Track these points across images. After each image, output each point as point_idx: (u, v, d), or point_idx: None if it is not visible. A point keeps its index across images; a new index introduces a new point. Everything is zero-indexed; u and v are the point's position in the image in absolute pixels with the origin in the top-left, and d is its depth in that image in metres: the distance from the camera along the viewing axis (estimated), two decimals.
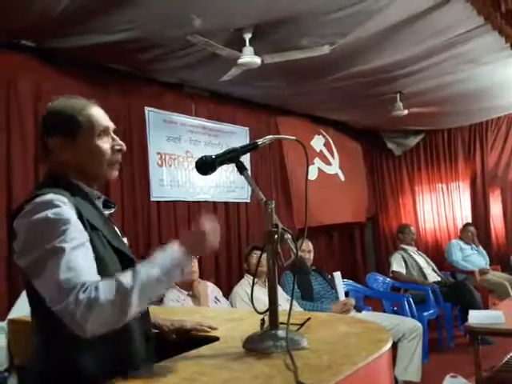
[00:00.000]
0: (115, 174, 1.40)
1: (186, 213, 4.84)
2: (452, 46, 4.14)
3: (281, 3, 3.27)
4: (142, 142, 4.53)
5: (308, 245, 4.12)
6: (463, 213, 7.25)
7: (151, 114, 4.63)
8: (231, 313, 2.43)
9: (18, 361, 2.22)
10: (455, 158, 7.35)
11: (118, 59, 4.13)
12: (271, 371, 1.10)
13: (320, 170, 6.49)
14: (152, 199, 4.54)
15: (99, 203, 1.40)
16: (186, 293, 3.24)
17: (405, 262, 5.36)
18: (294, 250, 1.26)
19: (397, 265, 5.34)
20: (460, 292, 4.92)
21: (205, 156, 1.37)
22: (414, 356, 3.55)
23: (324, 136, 6.74)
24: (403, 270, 5.29)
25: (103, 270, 1.20)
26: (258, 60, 3.72)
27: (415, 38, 3.94)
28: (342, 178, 6.96)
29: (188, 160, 4.89)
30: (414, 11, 3.48)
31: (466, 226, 6.32)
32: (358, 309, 3.85)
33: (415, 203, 7.70)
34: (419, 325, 3.69)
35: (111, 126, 1.40)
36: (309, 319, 1.49)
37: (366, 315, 3.83)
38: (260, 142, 1.41)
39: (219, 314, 2.10)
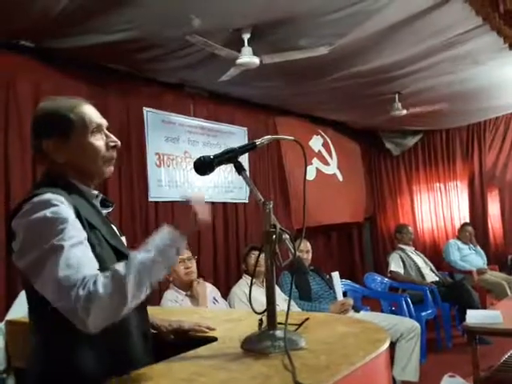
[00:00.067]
0: (111, 170, 1.40)
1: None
2: (450, 47, 4.14)
3: (279, 3, 3.28)
4: (141, 142, 4.53)
5: (306, 245, 4.12)
6: (461, 213, 7.26)
7: (149, 114, 4.63)
8: (229, 313, 2.43)
9: (16, 362, 2.22)
10: (453, 158, 7.36)
11: (116, 59, 4.13)
12: (269, 371, 1.10)
13: (318, 170, 6.50)
14: (150, 200, 4.54)
15: (97, 202, 1.40)
16: (185, 293, 3.24)
17: (403, 261, 5.37)
18: (292, 250, 1.26)
19: (395, 265, 5.34)
20: (458, 292, 4.93)
21: (203, 156, 1.37)
22: (412, 356, 3.56)
23: (322, 136, 6.74)
24: (401, 270, 5.29)
25: (102, 269, 1.20)
26: (256, 60, 3.72)
27: (414, 39, 3.95)
28: (340, 178, 6.96)
29: (186, 160, 4.89)
30: (413, 11, 3.49)
31: (463, 225, 6.33)
32: (356, 309, 3.85)
33: (413, 203, 7.71)
34: (417, 325, 3.70)
35: (104, 123, 1.40)
36: (307, 319, 1.49)
37: (364, 315, 3.83)
38: (258, 142, 1.41)
39: (217, 315, 2.10)
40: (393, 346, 3.52)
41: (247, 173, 1.40)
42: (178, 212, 1.16)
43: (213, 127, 5.24)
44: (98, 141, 1.36)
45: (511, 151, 6.86)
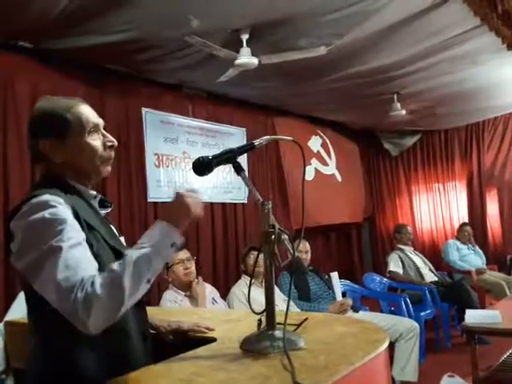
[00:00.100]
0: (108, 170, 1.39)
1: None
2: (449, 47, 4.15)
3: (278, 4, 3.28)
4: (139, 142, 4.53)
5: (305, 245, 4.13)
6: (460, 213, 7.27)
7: (148, 114, 4.63)
8: (228, 314, 2.43)
9: (15, 363, 2.22)
10: (452, 158, 7.36)
11: (115, 60, 4.13)
12: (268, 372, 1.10)
13: (317, 171, 6.50)
14: (149, 200, 4.54)
15: (95, 203, 1.39)
16: (184, 294, 3.24)
17: (402, 262, 5.37)
18: (291, 251, 1.26)
19: (394, 265, 5.35)
20: (457, 292, 4.93)
21: (202, 157, 1.37)
22: (411, 356, 3.56)
23: (321, 137, 6.75)
24: (400, 270, 5.30)
25: (101, 270, 1.20)
26: (255, 61, 3.72)
27: (412, 39, 3.95)
28: (339, 178, 6.97)
29: (185, 161, 4.89)
30: (411, 12, 3.49)
31: (462, 225, 6.33)
32: (355, 309, 3.85)
33: (412, 203, 7.71)
34: (416, 325, 3.70)
35: (101, 122, 1.39)
36: (306, 319, 1.49)
37: (363, 315, 3.84)
38: (257, 142, 1.41)
39: (216, 315, 2.10)
40: (392, 346, 3.52)
41: (246, 173, 1.40)
42: (169, 206, 1.15)
43: (211, 128, 5.24)
44: (95, 141, 1.35)
45: (510, 151, 6.87)
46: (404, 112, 5.62)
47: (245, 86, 4.93)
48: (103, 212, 1.42)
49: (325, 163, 6.72)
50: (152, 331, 1.54)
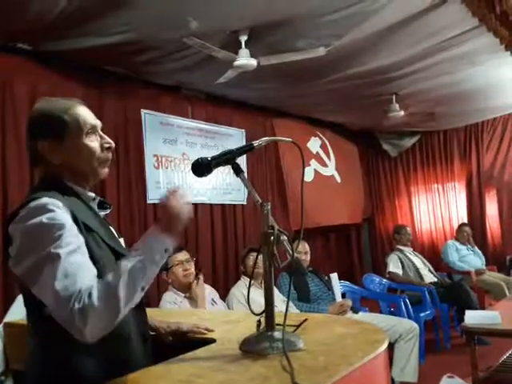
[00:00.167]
0: (106, 172, 1.39)
1: None
2: (447, 48, 4.15)
3: (277, 5, 3.28)
4: (139, 144, 4.53)
5: (304, 246, 4.13)
6: (459, 213, 7.28)
7: (147, 116, 4.63)
8: (228, 315, 2.42)
9: (14, 364, 2.21)
10: (451, 158, 7.37)
11: (114, 61, 4.13)
12: (268, 373, 1.10)
13: (316, 172, 6.51)
14: (148, 201, 4.54)
15: (94, 205, 1.39)
16: (183, 295, 3.23)
17: (401, 262, 5.37)
18: (290, 252, 1.26)
19: (393, 266, 5.34)
20: (456, 292, 4.93)
21: (201, 158, 1.37)
22: (411, 357, 3.56)
23: (320, 138, 6.75)
24: (399, 271, 5.29)
25: (100, 271, 1.20)
26: (253, 62, 3.72)
27: (411, 40, 3.96)
28: (339, 179, 6.97)
29: (184, 162, 4.89)
30: (410, 12, 3.50)
31: (461, 226, 6.33)
32: (355, 310, 3.85)
33: (411, 204, 7.72)
34: (416, 325, 3.70)
35: (98, 124, 1.39)
36: (305, 320, 1.49)
37: (363, 316, 3.83)
38: (256, 143, 1.41)
39: (216, 316, 2.10)
40: (391, 346, 3.52)
41: (245, 174, 1.40)
42: (159, 212, 1.16)
43: (211, 129, 5.24)
44: (93, 142, 1.35)
45: (509, 152, 6.88)
46: (402, 113, 5.62)
47: (244, 88, 4.93)
48: (102, 214, 1.42)
49: (324, 164, 6.72)
50: (151, 332, 1.54)
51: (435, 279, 5.34)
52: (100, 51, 3.73)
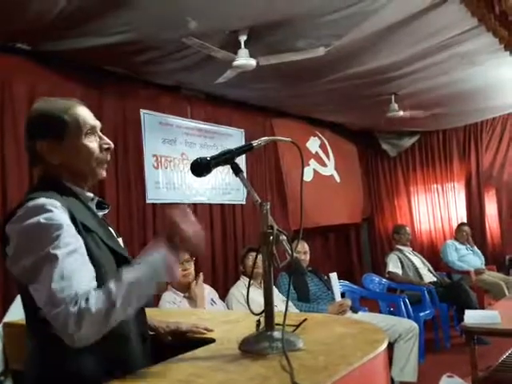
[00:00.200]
0: (104, 173, 1.40)
1: None
2: (447, 48, 4.15)
3: (276, 5, 3.28)
4: (138, 144, 4.53)
5: (304, 246, 4.13)
6: (458, 213, 7.28)
7: (147, 116, 4.63)
8: (227, 315, 2.42)
9: (14, 364, 2.21)
10: (450, 158, 7.37)
11: (113, 61, 4.13)
12: (267, 372, 1.10)
13: (315, 172, 6.50)
14: (148, 201, 4.54)
15: (92, 205, 1.39)
16: (182, 295, 3.24)
17: (401, 262, 5.37)
18: (290, 252, 1.26)
19: (393, 265, 5.35)
20: (456, 292, 4.93)
21: (200, 158, 1.37)
22: (411, 356, 3.56)
23: (320, 138, 6.75)
24: (399, 271, 5.30)
25: (99, 271, 1.20)
26: (253, 62, 3.72)
27: (410, 40, 3.96)
28: (338, 179, 6.97)
29: (183, 162, 4.89)
30: (409, 12, 3.50)
31: (460, 225, 6.34)
32: (354, 310, 3.85)
33: (410, 204, 7.72)
34: (415, 325, 3.70)
35: (98, 124, 1.39)
36: (305, 320, 1.49)
37: (362, 316, 3.84)
38: (255, 143, 1.41)
39: (215, 316, 2.10)
40: (391, 346, 3.52)
41: (244, 174, 1.40)
42: (168, 228, 1.15)
43: (210, 129, 5.24)
44: (92, 143, 1.35)
45: (508, 152, 6.88)
46: (402, 113, 5.62)
47: (243, 88, 4.93)
48: (101, 214, 1.42)
49: (323, 164, 6.72)
50: (151, 332, 1.54)
51: (435, 279, 5.34)
52: (99, 51, 3.73)
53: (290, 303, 3.48)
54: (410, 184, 7.75)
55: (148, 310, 1.46)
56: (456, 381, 3.33)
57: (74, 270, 1.12)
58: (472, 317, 3.17)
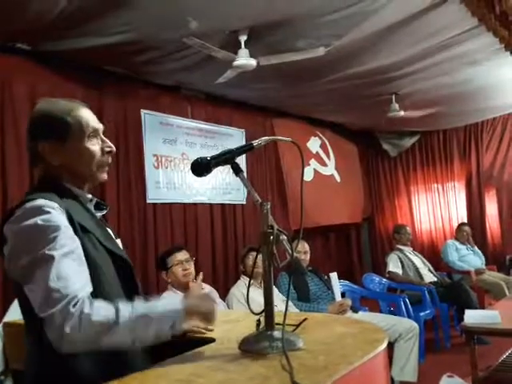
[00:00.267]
0: (105, 176, 1.40)
1: (183, 215, 4.84)
2: (447, 47, 4.15)
3: (276, 5, 3.28)
4: (138, 144, 4.53)
5: (304, 246, 4.13)
6: (459, 213, 7.27)
7: (147, 116, 4.63)
8: (227, 314, 2.42)
9: (14, 364, 2.21)
10: (451, 158, 7.37)
11: (113, 61, 4.13)
12: (267, 372, 1.10)
13: (316, 172, 6.50)
14: (148, 201, 4.54)
15: (91, 206, 1.40)
16: (183, 294, 3.23)
17: (401, 262, 5.37)
18: (290, 251, 1.26)
19: (393, 265, 5.35)
20: (456, 292, 4.93)
21: (200, 158, 1.37)
22: (411, 356, 3.56)
23: (320, 138, 6.75)
24: (399, 271, 5.30)
25: (95, 272, 1.20)
26: (253, 62, 3.72)
27: (410, 40, 3.95)
28: (338, 179, 6.97)
29: (184, 162, 4.89)
30: (410, 12, 3.49)
31: (460, 225, 6.34)
32: (355, 309, 3.85)
33: (411, 204, 7.72)
34: (416, 325, 3.70)
35: (100, 127, 1.39)
36: (305, 320, 1.49)
37: (363, 316, 3.84)
38: (255, 143, 1.41)
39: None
40: (391, 346, 3.52)
41: (244, 174, 1.40)
42: (200, 297, 1.19)
43: (210, 129, 5.24)
44: (94, 146, 1.35)
45: (508, 152, 6.87)
46: (402, 113, 5.62)
47: (243, 88, 4.93)
48: (99, 214, 1.42)
49: (324, 164, 6.72)
50: (162, 339, 1.54)
51: (435, 279, 5.34)
52: (100, 51, 3.73)
53: (290, 303, 3.48)
54: (410, 184, 7.75)
55: None
56: (456, 381, 3.33)
57: (70, 271, 1.12)
58: (472, 317, 3.17)
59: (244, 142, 5.34)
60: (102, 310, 1.10)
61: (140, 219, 4.45)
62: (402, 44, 4.03)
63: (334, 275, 4.18)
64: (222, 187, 5.24)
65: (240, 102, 5.54)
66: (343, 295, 4.31)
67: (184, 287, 3.25)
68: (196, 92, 5.08)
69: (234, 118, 5.52)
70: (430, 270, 5.52)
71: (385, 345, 1.27)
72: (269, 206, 1.31)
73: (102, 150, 1.37)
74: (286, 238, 1.28)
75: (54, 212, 1.19)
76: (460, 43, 4.07)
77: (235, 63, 3.71)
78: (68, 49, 3.66)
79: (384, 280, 5.30)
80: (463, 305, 4.47)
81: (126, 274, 1.35)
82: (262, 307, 1.33)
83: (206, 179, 4.88)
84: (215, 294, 3.57)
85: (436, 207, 7.52)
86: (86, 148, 1.33)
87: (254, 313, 1.39)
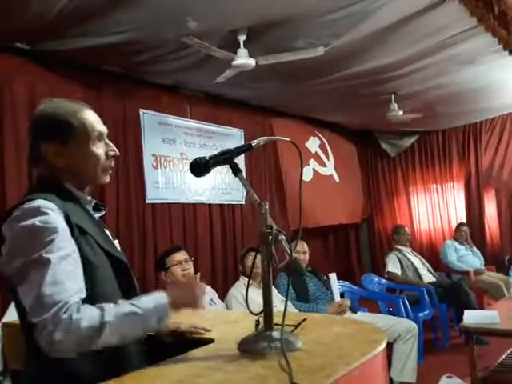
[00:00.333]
0: (107, 178, 1.40)
1: (182, 215, 4.84)
2: (446, 47, 4.15)
3: (276, 5, 3.28)
4: (137, 143, 4.52)
5: (303, 246, 4.12)
6: (458, 213, 7.27)
7: (146, 115, 4.62)
8: (226, 315, 2.42)
9: (13, 364, 2.21)
10: (449, 158, 7.37)
11: (112, 61, 4.12)
12: (266, 372, 1.10)
13: (315, 172, 6.50)
14: (147, 201, 4.53)
15: (90, 207, 1.39)
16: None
17: (400, 262, 5.37)
18: (289, 251, 1.26)
19: (392, 265, 5.35)
20: (455, 292, 4.93)
21: (199, 157, 1.37)
22: (410, 357, 3.55)
23: (319, 137, 6.75)
24: (398, 271, 5.30)
25: (93, 274, 1.20)
26: (252, 62, 3.72)
27: (409, 39, 3.96)
28: (337, 179, 6.97)
29: (183, 162, 4.88)
30: (408, 12, 3.50)
31: (459, 225, 6.34)
32: (354, 310, 3.85)
33: (410, 204, 7.72)
34: (414, 325, 3.70)
35: (105, 130, 1.39)
36: (304, 320, 1.49)
37: (362, 316, 3.83)
38: (254, 143, 1.41)
39: (214, 316, 2.09)
40: (390, 346, 3.52)
41: (243, 174, 1.40)
42: (183, 290, 1.19)
43: (209, 129, 5.24)
44: (99, 149, 1.35)
45: (507, 152, 6.87)
46: (401, 113, 5.62)
47: (242, 87, 4.93)
48: (97, 216, 1.42)
49: (323, 164, 6.73)
50: (150, 333, 1.54)
51: (434, 279, 5.34)
52: (99, 51, 3.72)
53: (289, 303, 3.48)
54: (409, 184, 7.75)
55: None
56: (455, 381, 3.33)
57: (65, 276, 1.12)
58: (471, 317, 3.17)
59: (243, 142, 5.33)
60: (90, 315, 1.09)
61: (139, 219, 4.45)
62: (400, 44, 4.04)
63: (332, 275, 4.18)
64: (221, 187, 5.24)
65: (239, 101, 5.54)
66: (342, 295, 4.31)
67: None
68: (195, 92, 5.08)
69: (233, 118, 5.52)
70: (429, 270, 5.52)
71: (384, 345, 1.27)
72: (267, 206, 1.31)
73: (106, 153, 1.37)
74: (284, 238, 1.27)
75: (52, 213, 1.18)
76: (459, 43, 4.07)
77: (234, 63, 3.71)
78: (67, 49, 3.65)
79: (383, 280, 5.31)
80: (462, 305, 4.47)
81: (123, 276, 1.35)
82: (261, 308, 1.33)
83: (205, 179, 4.88)
84: (214, 295, 3.57)
85: (435, 207, 7.52)
86: (91, 151, 1.33)
87: (252, 313, 1.39)
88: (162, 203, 4.66)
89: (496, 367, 3.18)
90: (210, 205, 5.13)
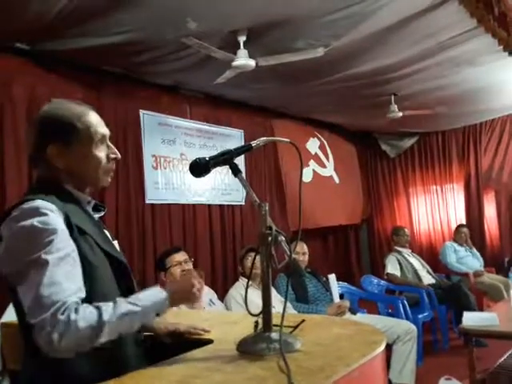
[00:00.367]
0: (108, 181, 1.40)
1: (181, 216, 4.84)
2: (446, 48, 4.15)
3: (276, 6, 3.28)
4: (137, 144, 4.52)
5: (303, 247, 4.12)
6: (457, 215, 7.27)
7: (146, 116, 4.62)
8: (225, 315, 2.42)
9: (11, 364, 2.20)
10: (449, 160, 7.37)
11: (112, 61, 4.12)
12: (265, 374, 1.10)
13: (315, 173, 6.50)
14: (147, 202, 4.53)
15: (89, 208, 1.40)
16: None
17: (399, 264, 5.37)
18: (288, 252, 1.25)
19: (391, 267, 5.34)
20: (455, 294, 4.93)
21: (199, 158, 1.37)
22: (409, 358, 3.55)
23: (319, 138, 6.75)
24: (398, 273, 5.29)
25: (92, 274, 1.20)
26: (252, 62, 3.72)
27: (409, 41, 3.96)
28: (337, 180, 6.97)
29: (183, 163, 4.88)
30: (408, 13, 3.50)
31: (458, 227, 6.34)
32: (353, 311, 3.85)
33: (410, 205, 7.71)
34: (414, 327, 3.70)
35: (107, 133, 1.40)
36: (303, 321, 1.49)
37: (361, 317, 3.83)
38: (254, 143, 1.41)
39: (213, 317, 2.09)
40: (389, 348, 3.52)
41: (243, 175, 1.40)
42: (180, 283, 1.20)
43: (209, 129, 5.24)
44: (101, 152, 1.36)
45: (507, 153, 6.87)
46: (401, 114, 5.62)
47: (242, 88, 4.93)
48: (96, 216, 1.42)
49: (323, 165, 6.73)
50: (149, 333, 1.54)
51: (433, 280, 5.34)
52: (99, 51, 3.72)
53: (288, 304, 3.47)
54: (409, 185, 7.74)
55: None
56: (454, 383, 3.33)
57: (64, 276, 1.12)
58: (470, 319, 3.17)
59: (243, 143, 5.33)
60: (88, 315, 1.09)
61: (138, 220, 4.44)
62: (400, 45, 4.04)
63: (332, 277, 4.17)
64: (221, 188, 5.24)
65: (239, 102, 5.54)
66: (341, 297, 4.31)
67: None
68: (195, 92, 5.08)
69: (233, 119, 5.52)
70: (428, 271, 5.52)
71: (383, 347, 1.27)
72: (267, 207, 1.31)
73: (108, 156, 1.38)
74: (284, 239, 1.27)
75: (52, 214, 1.18)
76: (459, 44, 4.07)
77: (234, 63, 3.71)
78: (67, 49, 3.65)
79: (382, 282, 5.30)
80: (462, 307, 4.46)
81: (122, 276, 1.35)
82: (260, 308, 1.33)
83: (204, 180, 4.87)
84: (213, 295, 3.57)
85: (434, 208, 7.52)
86: (93, 154, 1.34)
87: (251, 314, 1.39)
88: (161, 204, 4.66)
89: (495, 369, 3.18)
90: (209, 205, 5.13)
